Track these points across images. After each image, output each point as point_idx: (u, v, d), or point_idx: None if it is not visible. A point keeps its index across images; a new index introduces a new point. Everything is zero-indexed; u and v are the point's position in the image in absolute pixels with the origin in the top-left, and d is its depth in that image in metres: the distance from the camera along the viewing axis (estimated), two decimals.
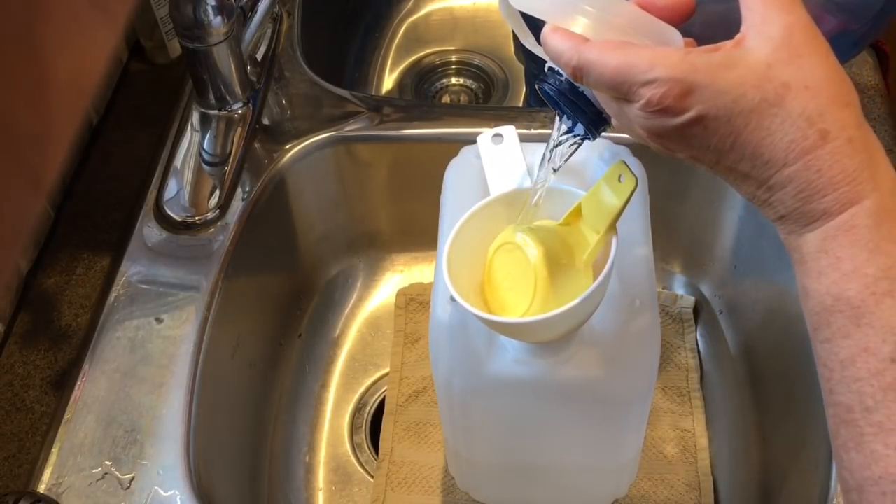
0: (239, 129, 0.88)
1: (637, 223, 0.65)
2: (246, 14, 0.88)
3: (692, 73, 0.42)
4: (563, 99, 0.50)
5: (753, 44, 0.42)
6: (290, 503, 0.86)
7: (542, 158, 0.55)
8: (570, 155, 0.54)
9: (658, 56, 0.43)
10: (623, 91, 0.44)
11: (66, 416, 0.71)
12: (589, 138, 0.52)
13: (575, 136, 0.53)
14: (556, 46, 0.46)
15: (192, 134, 0.88)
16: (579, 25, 0.46)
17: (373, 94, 1.16)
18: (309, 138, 0.89)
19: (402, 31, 1.23)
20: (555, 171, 0.55)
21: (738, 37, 0.43)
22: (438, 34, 1.22)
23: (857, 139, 0.41)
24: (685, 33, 0.47)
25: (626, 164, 0.52)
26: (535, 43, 0.51)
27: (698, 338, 0.92)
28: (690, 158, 0.45)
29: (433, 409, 0.88)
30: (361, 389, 0.93)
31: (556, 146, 0.54)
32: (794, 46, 0.42)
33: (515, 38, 1.04)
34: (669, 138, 0.45)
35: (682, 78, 0.42)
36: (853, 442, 0.42)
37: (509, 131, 0.66)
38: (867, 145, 0.42)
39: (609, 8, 0.46)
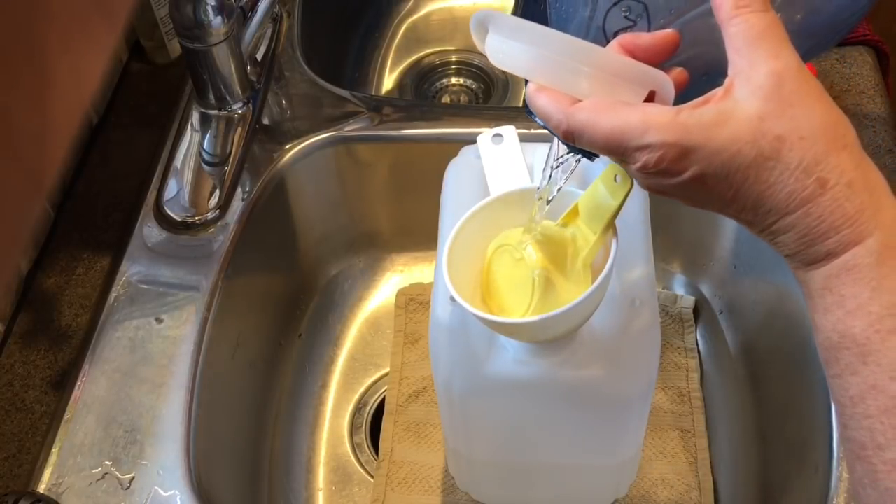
0: (239, 129, 0.88)
1: (637, 223, 0.65)
2: (246, 14, 0.88)
3: (686, 136, 0.42)
4: None
5: (742, 94, 0.42)
6: (289, 503, 0.86)
7: (542, 179, 0.55)
8: (571, 172, 0.54)
9: (649, 118, 0.43)
10: (618, 154, 0.44)
11: (66, 416, 0.71)
12: (589, 158, 0.52)
13: (576, 156, 0.52)
14: (543, 108, 0.46)
15: (192, 134, 0.88)
16: (564, 82, 0.45)
17: (373, 94, 1.16)
18: (309, 138, 0.89)
19: (402, 31, 1.23)
20: (548, 202, 0.55)
21: (726, 83, 0.43)
22: (438, 34, 1.22)
23: (856, 181, 0.41)
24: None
25: None
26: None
27: (698, 338, 0.92)
28: (695, 206, 0.45)
29: (433, 409, 0.88)
30: (361, 389, 0.93)
31: (557, 166, 0.54)
32: (785, 96, 0.41)
33: None
34: (669, 194, 0.45)
35: (675, 141, 0.42)
36: (868, 478, 0.42)
37: (509, 131, 0.66)
38: (868, 184, 0.42)
39: (591, 60, 0.45)
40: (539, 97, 0.46)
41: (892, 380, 0.41)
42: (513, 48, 0.46)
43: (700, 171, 0.42)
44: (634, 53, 0.47)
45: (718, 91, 0.43)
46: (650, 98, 0.46)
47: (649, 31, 0.49)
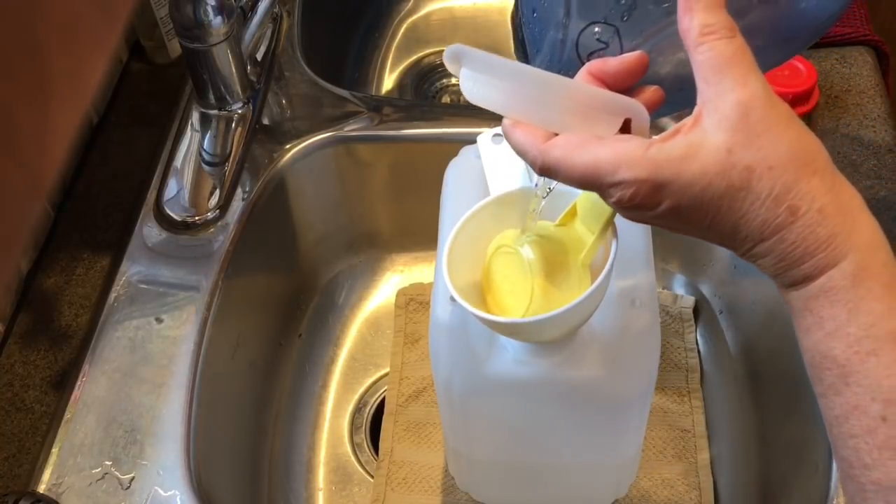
0: (239, 129, 0.88)
1: (637, 223, 0.65)
2: (246, 14, 0.88)
3: (656, 171, 0.42)
4: None
5: (710, 124, 0.42)
6: (289, 503, 0.86)
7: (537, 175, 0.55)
8: None
9: (620, 155, 0.43)
10: (594, 189, 0.45)
11: (66, 416, 0.71)
12: None
13: None
14: (519, 143, 0.46)
15: (192, 134, 0.88)
16: (537, 116, 0.46)
17: (373, 94, 1.16)
18: (309, 138, 0.89)
19: (402, 31, 1.23)
20: (550, 189, 0.55)
21: (695, 112, 0.43)
22: (438, 34, 1.22)
23: (828, 206, 0.42)
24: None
25: None
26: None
27: (698, 338, 0.92)
28: (677, 233, 0.46)
29: (433, 409, 0.88)
30: (361, 389, 0.93)
31: None
32: (752, 126, 0.42)
33: (515, 37, 1.04)
34: (649, 223, 0.46)
35: (647, 177, 0.42)
36: (858, 497, 0.42)
37: None
38: (841, 207, 0.42)
39: (563, 93, 0.45)
40: (514, 132, 0.47)
41: (873, 401, 0.41)
42: (486, 84, 0.46)
43: (674, 204, 0.43)
44: (604, 80, 0.47)
45: (688, 121, 0.43)
46: (626, 124, 0.46)
47: (622, 51, 0.49)
